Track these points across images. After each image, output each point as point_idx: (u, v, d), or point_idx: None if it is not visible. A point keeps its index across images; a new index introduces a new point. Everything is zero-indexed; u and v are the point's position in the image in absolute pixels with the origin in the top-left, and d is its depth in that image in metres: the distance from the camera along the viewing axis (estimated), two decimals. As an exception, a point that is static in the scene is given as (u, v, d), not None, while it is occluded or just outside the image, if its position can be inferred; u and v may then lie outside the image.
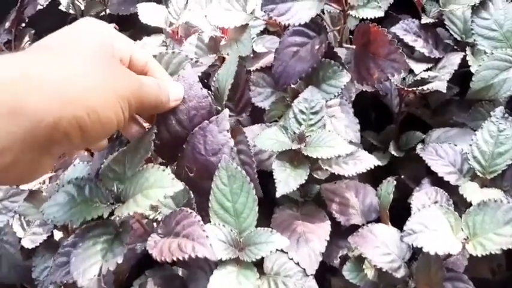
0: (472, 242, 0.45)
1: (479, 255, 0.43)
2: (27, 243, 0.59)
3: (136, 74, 0.43)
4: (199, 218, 0.44)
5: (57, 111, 0.33)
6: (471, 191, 0.52)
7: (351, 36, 0.73)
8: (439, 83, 0.62)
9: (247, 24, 0.65)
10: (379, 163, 0.56)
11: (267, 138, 0.53)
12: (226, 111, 0.50)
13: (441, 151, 0.58)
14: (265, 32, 0.75)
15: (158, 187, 0.41)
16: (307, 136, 0.54)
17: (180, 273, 0.53)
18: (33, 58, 0.35)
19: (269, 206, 0.57)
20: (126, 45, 0.43)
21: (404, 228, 0.46)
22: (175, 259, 0.41)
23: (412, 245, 0.48)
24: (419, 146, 0.62)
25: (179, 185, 0.41)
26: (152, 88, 0.43)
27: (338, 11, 0.64)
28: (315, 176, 0.57)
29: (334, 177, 0.58)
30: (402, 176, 0.64)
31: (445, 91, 0.62)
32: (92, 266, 0.40)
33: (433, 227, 0.45)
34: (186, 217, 0.44)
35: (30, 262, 0.57)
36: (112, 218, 0.45)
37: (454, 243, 0.44)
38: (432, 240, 0.44)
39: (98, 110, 0.35)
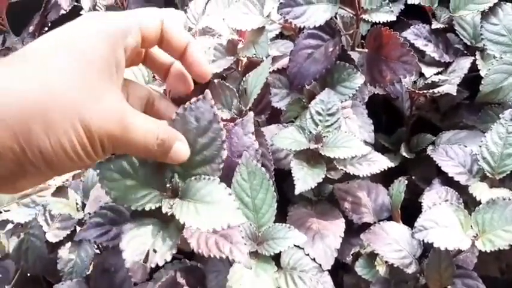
0: (481, 238, 0.46)
1: (488, 251, 0.45)
2: (51, 237, 0.61)
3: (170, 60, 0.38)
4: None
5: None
6: (481, 191, 0.53)
7: (362, 41, 0.75)
8: (449, 86, 0.64)
9: (264, 27, 0.67)
10: (392, 164, 0.57)
11: (284, 138, 0.56)
12: (251, 114, 0.52)
13: (451, 152, 0.60)
14: (280, 36, 0.78)
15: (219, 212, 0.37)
16: (324, 136, 0.56)
17: (198, 265, 0.55)
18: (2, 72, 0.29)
19: (284, 205, 0.59)
20: (129, 20, 0.35)
21: (416, 224, 0.48)
22: (211, 255, 0.42)
23: (422, 242, 0.50)
24: (430, 147, 0.64)
25: (242, 218, 0.36)
26: (141, 139, 0.34)
27: (351, 15, 0.66)
28: (328, 176, 0.59)
29: (346, 178, 0.60)
30: (413, 177, 0.65)
31: (455, 94, 0.64)
32: (140, 249, 0.38)
33: (444, 224, 0.47)
34: None
35: (54, 255, 0.60)
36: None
37: (463, 239, 0.46)
38: (442, 236, 0.46)
39: (62, 146, 0.30)
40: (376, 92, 0.69)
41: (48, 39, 0.32)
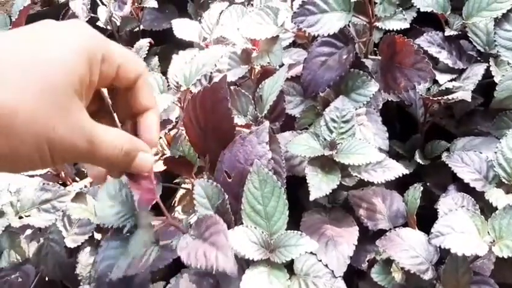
0: (498, 244, 0.46)
1: (506, 257, 0.45)
2: (70, 242, 0.62)
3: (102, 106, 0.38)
4: (225, 226, 0.45)
5: None
6: (497, 197, 0.53)
7: (375, 48, 0.76)
8: (464, 93, 0.64)
9: (277, 36, 0.68)
10: (407, 171, 0.57)
11: (299, 145, 0.56)
12: (267, 124, 0.53)
13: (467, 159, 0.60)
14: (293, 44, 0.79)
15: None
16: (338, 143, 0.56)
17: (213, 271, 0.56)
18: None
19: (298, 211, 0.60)
20: (115, 50, 0.35)
21: (432, 230, 0.48)
22: (198, 266, 0.43)
23: (439, 248, 0.49)
24: (445, 154, 0.64)
25: None
26: (107, 153, 0.34)
27: (364, 23, 0.66)
28: (343, 182, 0.59)
29: (360, 184, 0.60)
30: (428, 184, 0.65)
31: (469, 100, 0.64)
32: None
33: (460, 230, 0.47)
34: (214, 223, 0.46)
35: (73, 260, 0.61)
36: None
37: (480, 245, 0.46)
38: (459, 242, 0.46)
39: (21, 155, 0.29)
40: (389, 99, 0.70)
41: (33, 36, 0.31)
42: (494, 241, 0.47)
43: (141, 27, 1.00)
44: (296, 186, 0.60)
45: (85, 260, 0.59)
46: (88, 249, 0.61)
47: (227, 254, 0.43)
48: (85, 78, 0.32)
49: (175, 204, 0.78)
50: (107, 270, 0.48)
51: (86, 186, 0.66)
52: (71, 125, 0.31)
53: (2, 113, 0.28)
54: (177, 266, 0.57)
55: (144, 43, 0.78)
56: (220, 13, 0.80)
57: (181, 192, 0.78)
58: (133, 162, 0.37)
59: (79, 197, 0.61)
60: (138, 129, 0.39)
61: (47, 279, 0.65)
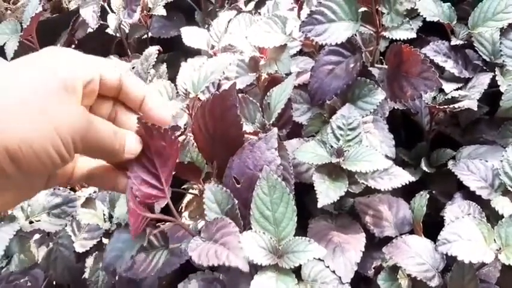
0: (504, 251, 0.47)
1: (512, 265, 0.45)
2: (78, 247, 0.63)
3: (110, 97, 0.41)
4: (237, 229, 0.47)
5: None
6: (503, 205, 0.53)
7: (381, 57, 0.76)
8: (470, 102, 0.65)
9: (285, 45, 0.69)
10: (413, 179, 0.58)
11: (306, 152, 0.57)
12: (275, 130, 0.54)
13: (472, 167, 0.60)
14: (299, 53, 0.80)
15: None
16: (345, 151, 0.57)
17: (220, 277, 0.56)
18: None
19: (305, 218, 0.60)
20: (91, 69, 0.38)
21: (439, 237, 0.48)
22: (210, 264, 0.44)
23: (446, 256, 0.50)
24: (451, 162, 0.64)
25: None
26: (105, 133, 0.38)
27: (371, 32, 0.67)
28: (350, 189, 0.60)
29: (367, 192, 0.61)
30: (433, 192, 0.66)
31: (475, 109, 0.64)
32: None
33: (467, 237, 0.47)
34: (225, 226, 0.48)
35: (81, 264, 0.61)
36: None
37: (487, 252, 0.46)
38: (466, 249, 0.46)
39: (32, 143, 0.32)
40: (395, 107, 0.70)
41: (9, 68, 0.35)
42: (500, 249, 0.47)
43: (149, 34, 1.01)
44: (303, 193, 0.61)
45: (93, 265, 0.60)
46: (96, 254, 0.61)
47: (239, 255, 0.44)
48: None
49: (182, 210, 0.78)
50: (114, 261, 0.49)
51: (95, 192, 0.67)
52: (70, 110, 0.35)
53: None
54: (184, 272, 0.58)
55: (153, 50, 0.79)
56: (229, 21, 0.81)
57: (188, 197, 0.79)
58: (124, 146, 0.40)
59: (88, 202, 0.62)
60: (146, 116, 0.42)
61: (54, 283, 0.65)
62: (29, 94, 0.33)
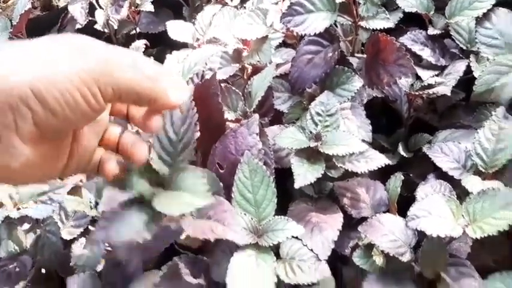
0: (471, 226, 0.49)
1: (479, 238, 0.47)
2: (66, 234, 0.65)
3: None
4: (232, 207, 0.49)
5: (10, 75, 0.31)
6: (473, 183, 0.56)
7: (362, 48, 0.79)
8: (444, 88, 0.67)
9: (267, 36, 0.71)
10: (390, 162, 0.60)
11: (286, 137, 0.59)
12: (256, 116, 0.56)
13: (446, 149, 0.62)
14: (283, 45, 0.82)
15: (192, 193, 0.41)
16: (323, 135, 0.59)
17: (204, 258, 0.58)
18: None
19: (285, 202, 0.62)
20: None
21: (408, 213, 0.50)
22: (206, 238, 0.45)
23: (417, 232, 0.52)
24: (426, 145, 0.67)
25: (209, 199, 0.40)
26: (131, 74, 0.35)
27: (350, 22, 0.70)
28: (329, 174, 0.62)
29: (346, 176, 0.63)
30: (410, 175, 0.68)
31: (449, 94, 0.66)
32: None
33: (436, 213, 0.50)
34: (220, 204, 0.49)
35: (68, 251, 0.63)
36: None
37: (455, 227, 0.48)
38: (434, 225, 0.48)
39: (57, 85, 0.32)
40: (375, 95, 0.72)
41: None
42: (468, 224, 0.49)
43: (138, 30, 1.03)
44: (284, 178, 0.63)
45: (79, 250, 0.62)
46: (82, 240, 0.63)
47: (236, 230, 0.45)
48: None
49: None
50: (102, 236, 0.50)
51: (81, 180, 0.69)
52: (94, 54, 0.34)
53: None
54: (168, 255, 0.60)
55: (140, 44, 0.81)
56: (213, 15, 0.83)
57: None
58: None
59: (75, 190, 0.64)
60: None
61: (43, 270, 0.67)
62: (55, 45, 0.33)
